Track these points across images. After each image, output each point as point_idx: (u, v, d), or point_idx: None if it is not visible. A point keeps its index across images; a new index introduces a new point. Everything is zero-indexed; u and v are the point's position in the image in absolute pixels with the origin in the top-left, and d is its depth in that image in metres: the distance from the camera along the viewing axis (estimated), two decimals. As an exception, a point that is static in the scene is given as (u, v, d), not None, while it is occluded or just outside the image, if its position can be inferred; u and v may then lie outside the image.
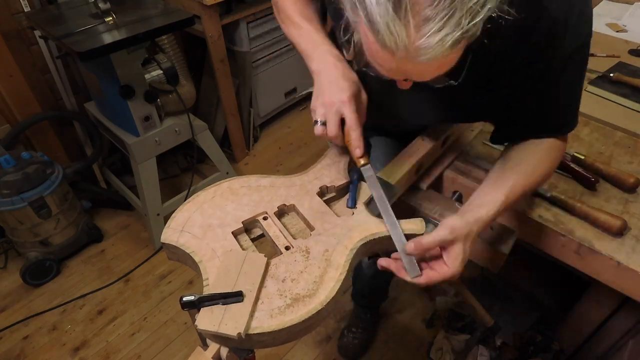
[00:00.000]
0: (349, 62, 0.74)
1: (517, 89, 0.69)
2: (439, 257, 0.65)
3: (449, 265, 0.64)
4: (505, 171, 0.72)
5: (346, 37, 0.64)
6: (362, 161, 0.72)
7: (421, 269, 0.65)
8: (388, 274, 0.69)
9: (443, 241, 0.63)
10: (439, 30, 0.46)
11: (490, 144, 1.06)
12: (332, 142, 0.76)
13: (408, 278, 0.65)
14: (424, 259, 0.67)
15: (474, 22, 0.46)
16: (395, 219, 0.68)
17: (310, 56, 0.76)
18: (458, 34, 0.46)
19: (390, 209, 0.69)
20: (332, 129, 0.70)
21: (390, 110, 0.87)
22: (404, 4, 0.45)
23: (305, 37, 0.78)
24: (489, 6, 0.46)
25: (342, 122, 0.71)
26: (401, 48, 0.48)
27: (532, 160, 0.73)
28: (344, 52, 0.70)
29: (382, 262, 0.67)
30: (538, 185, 0.75)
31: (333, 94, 0.70)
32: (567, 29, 0.63)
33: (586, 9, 0.64)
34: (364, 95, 0.75)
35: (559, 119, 0.73)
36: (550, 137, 0.74)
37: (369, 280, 1.45)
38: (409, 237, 0.68)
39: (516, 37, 0.61)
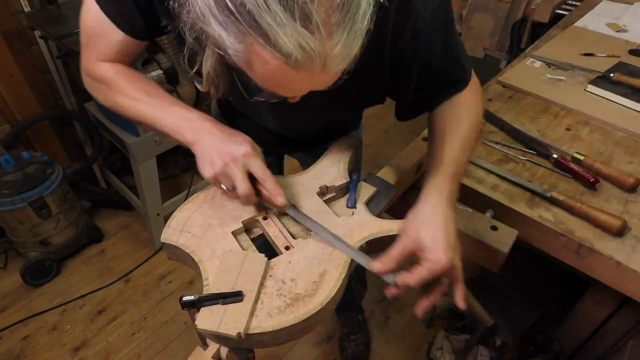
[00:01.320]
0: (204, 95, 0.69)
1: (396, 70, 0.68)
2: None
3: (432, 258, 0.59)
4: (437, 140, 0.71)
5: (194, 69, 0.59)
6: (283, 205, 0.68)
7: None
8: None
9: (404, 247, 0.61)
10: (350, 29, 0.43)
11: (490, 144, 1.07)
12: (244, 203, 0.69)
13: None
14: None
15: (371, 9, 0.44)
16: (338, 239, 0.66)
17: (179, 130, 0.67)
18: (365, 26, 0.44)
19: (329, 233, 0.66)
20: (244, 186, 0.63)
21: (271, 124, 0.84)
22: (314, 17, 0.40)
23: (163, 113, 0.68)
24: None
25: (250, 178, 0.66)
26: (317, 62, 0.44)
27: (455, 116, 0.72)
28: (197, 84, 0.63)
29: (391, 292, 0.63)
30: (476, 131, 0.73)
31: (232, 150, 0.63)
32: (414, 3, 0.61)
33: None
34: (257, 147, 0.67)
35: (447, 78, 0.72)
36: (452, 94, 0.73)
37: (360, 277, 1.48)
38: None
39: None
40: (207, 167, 0.64)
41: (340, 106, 0.79)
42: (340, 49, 0.44)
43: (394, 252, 0.61)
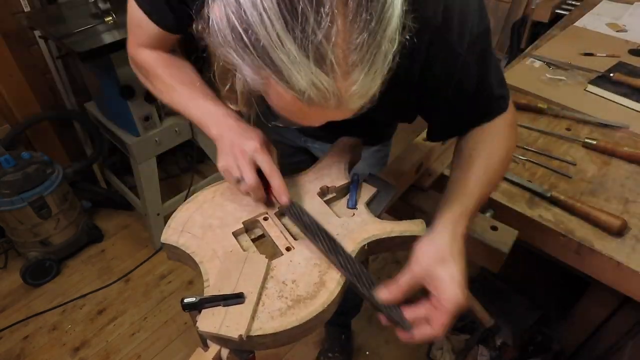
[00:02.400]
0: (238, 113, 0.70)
1: (427, 95, 0.67)
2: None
3: (451, 297, 0.55)
4: (462, 167, 0.69)
5: (226, 87, 0.59)
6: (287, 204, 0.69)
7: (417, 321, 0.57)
8: None
9: (416, 278, 0.57)
10: (369, 70, 0.42)
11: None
12: (252, 197, 0.70)
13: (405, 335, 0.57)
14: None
15: (395, 48, 0.44)
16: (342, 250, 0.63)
17: (206, 124, 0.72)
18: (386, 66, 0.43)
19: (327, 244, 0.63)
20: (250, 178, 0.66)
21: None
22: (328, 57, 0.40)
23: (193, 104, 0.73)
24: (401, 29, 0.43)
25: (259, 173, 0.67)
26: (332, 101, 0.43)
27: (486, 146, 0.69)
28: (229, 103, 0.65)
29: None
30: (504, 165, 0.70)
31: (242, 144, 0.67)
32: (451, 31, 0.59)
33: (466, 7, 0.60)
34: (273, 148, 0.71)
35: (480, 108, 0.69)
36: (483, 123, 0.70)
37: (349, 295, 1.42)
38: (407, 239, 0.67)
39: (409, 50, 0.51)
40: (220, 159, 0.69)
41: (361, 127, 0.78)
42: (357, 89, 0.43)
43: (403, 282, 0.58)
